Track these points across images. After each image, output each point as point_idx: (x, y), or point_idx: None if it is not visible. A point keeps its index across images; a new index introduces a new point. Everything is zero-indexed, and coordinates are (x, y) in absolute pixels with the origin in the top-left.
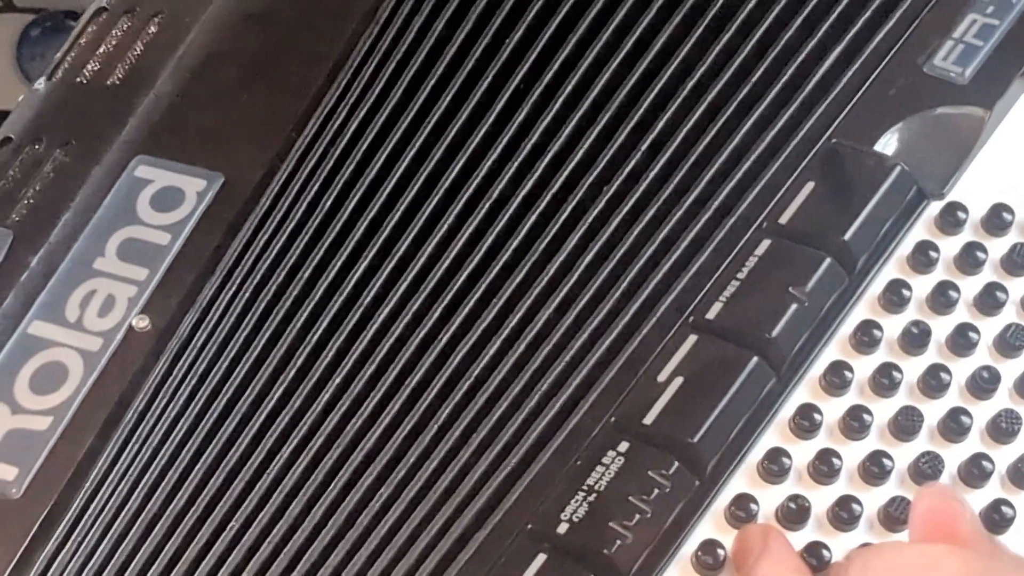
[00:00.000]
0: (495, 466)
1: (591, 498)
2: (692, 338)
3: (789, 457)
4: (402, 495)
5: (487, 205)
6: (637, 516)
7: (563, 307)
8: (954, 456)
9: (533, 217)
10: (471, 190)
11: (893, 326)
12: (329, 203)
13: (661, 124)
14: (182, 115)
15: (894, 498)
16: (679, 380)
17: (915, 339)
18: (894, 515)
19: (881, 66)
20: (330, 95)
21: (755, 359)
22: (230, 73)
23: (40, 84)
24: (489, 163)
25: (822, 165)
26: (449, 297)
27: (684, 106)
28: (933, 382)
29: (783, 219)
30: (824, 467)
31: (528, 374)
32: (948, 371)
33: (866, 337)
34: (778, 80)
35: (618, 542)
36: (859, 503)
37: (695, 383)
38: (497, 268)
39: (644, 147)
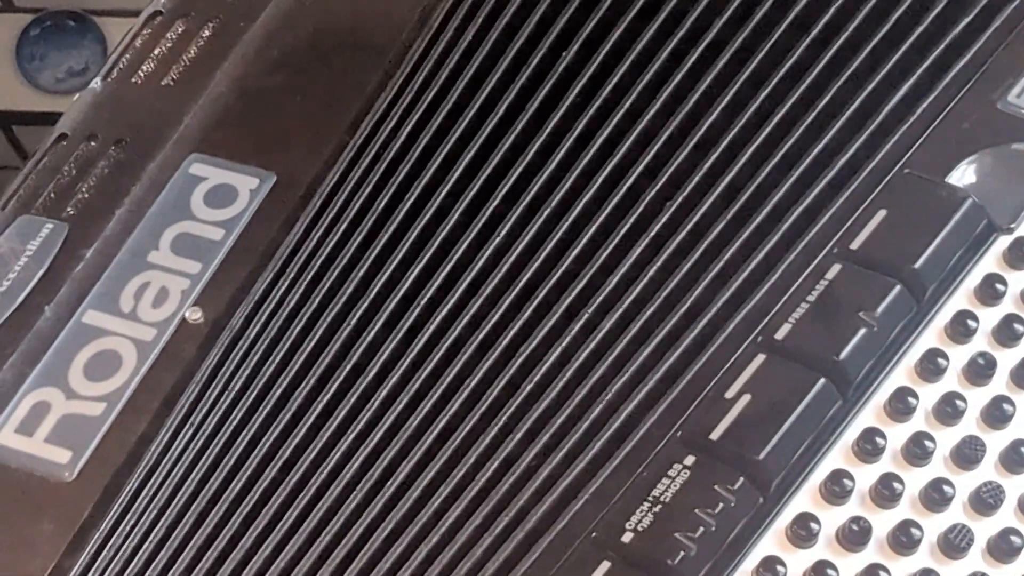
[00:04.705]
0: (559, 472)
1: (656, 509)
2: (760, 357)
3: (852, 479)
4: (463, 494)
5: (546, 213)
6: (701, 529)
7: (627, 318)
8: (1016, 487)
9: (594, 227)
10: (530, 197)
11: (959, 356)
12: (383, 204)
13: (727, 141)
14: (236, 116)
15: (954, 526)
16: (747, 398)
17: (980, 370)
18: (954, 543)
19: (955, 100)
20: (383, 99)
21: (822, 381)
22: (283, 76)
23: (96, 83)
24: (548, 172)
25: (895, 194)
26: (508, 301)
27: (750, 125)
28: (997, 413)
29: (854, 245)
30: (886, 491)
31: (591, 383)
32: (1012, 403)
33: (932, 365)
34: (849, 105)
35: (682, 553)
36: (920, 528)
37: (762, 401)
38: (558, 275)
39: (708, 165)
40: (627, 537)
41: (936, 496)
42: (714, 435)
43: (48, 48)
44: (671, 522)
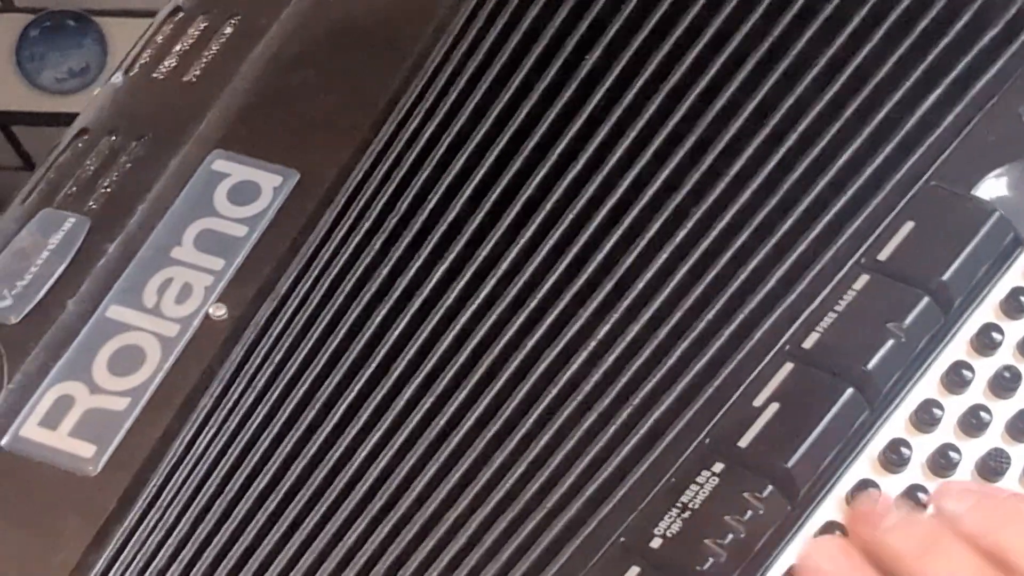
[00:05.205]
0: (587, 476)
1: (685, 515)
2: (788, 366)
3: (878, 489)
4: (490, 496)
5: (570, 216)
6: (730, 536)
7: (653, 323)
8: None
9: (620, 231)
10: (554, 200)
11: (984, 368)
12: (407, 203)
13: (752, 148)
14: (259, 113)
15: None
16: (775, 406)
17: (1005, 383)
18: None
19: (982, 112)
20: (406, 98)
21: (851, 390)
22: (306, 74)
23: (117, 78)
24: (572, 175)
25: (922, 206)
26: (534, 304)
27: (775, 132)
28: (1021, 425)
29: (882, 256)
30: (912, 502)
31: (617, 388)
32: None
33: (957, 377)
34: (875, 116)
35: (711, 560)
36: None
37: (791, 410)
38: (583, 279)
39: (732, 173)
40: (656, 543)
41: None
42: (742, 442)
43: (48, 48)
44: (700, 528)
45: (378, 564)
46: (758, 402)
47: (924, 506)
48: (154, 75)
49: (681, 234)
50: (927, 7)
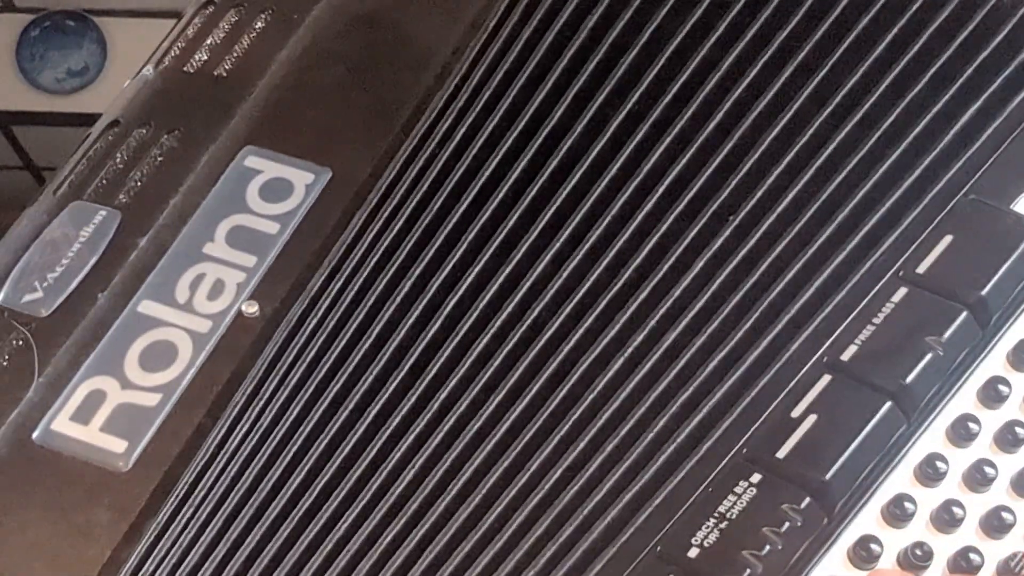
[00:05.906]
0: (624, 483)
1: (722, 525)
2: (827, 378)
3: (913, 503)
4: (525, 502)
5: (606, 220)
6: (767, 547)
7: (692, 329)
8: None
9: (657, 236)
10: (589, 203)
11: (1021, 384)
12: (439, 203)
13: (789, 158)
14: (290, 109)
15: (1015, 553)
16: (813, 417)
17: None
18: (1013, 569)
19: (1021, 126)
20: (438, 98)
21: (889, 404)
22: (338, 71)
23: (148, 70)
24: (608, 179)
25: (960, 220)
26: (569, 308)
27: (812, 143)
28: None
29: (920, 269)
30: (946, 516)
31: (655, 394)
32: None
33: (994, 392)
34: (913, 128)
35: (748, 571)
36: (979, 554)
37: (829, 422)
38: (619, 284)
39: (770, 180)
40: (693, 552)
41: (995, 522)
42: (780, 454)
43: (48, 48)
44: (738, 539)
45: (414, 566)
46: (796, 413)
47: None
48: (185, 68)
49: (718, 242)
50: (965, 21)
